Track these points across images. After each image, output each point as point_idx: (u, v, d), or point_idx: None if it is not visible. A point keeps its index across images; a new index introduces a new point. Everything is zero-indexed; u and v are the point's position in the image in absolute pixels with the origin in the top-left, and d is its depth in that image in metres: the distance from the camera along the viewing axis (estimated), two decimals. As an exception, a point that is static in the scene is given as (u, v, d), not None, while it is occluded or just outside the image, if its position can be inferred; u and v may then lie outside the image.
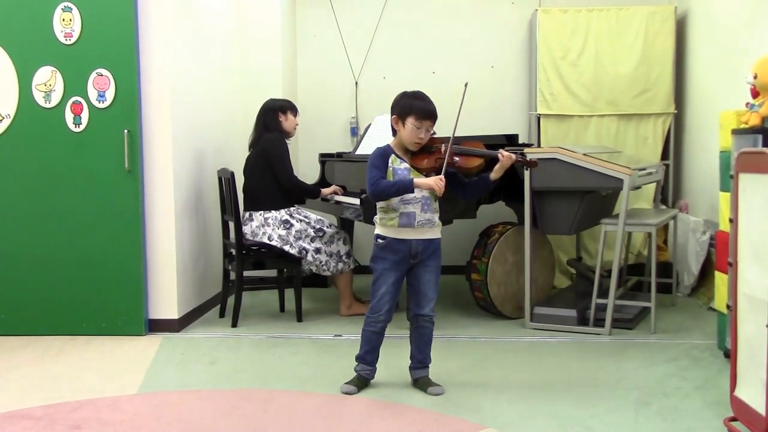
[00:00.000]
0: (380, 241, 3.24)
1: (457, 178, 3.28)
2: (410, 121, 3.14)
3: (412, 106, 3.14)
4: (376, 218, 3.27)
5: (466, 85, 3.19)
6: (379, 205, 3.23)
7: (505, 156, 3.16)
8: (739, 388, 2.71)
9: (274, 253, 4.55)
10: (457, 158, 3.23)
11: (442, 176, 3.11)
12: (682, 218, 5.09)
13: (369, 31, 6.17)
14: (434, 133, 3.24)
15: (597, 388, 3.29)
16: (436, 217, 3.24)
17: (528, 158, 3.30)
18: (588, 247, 5.44)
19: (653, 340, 4.07)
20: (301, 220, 4.55)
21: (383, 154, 3.22)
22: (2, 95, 4.19)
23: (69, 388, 3.38)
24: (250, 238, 4.54)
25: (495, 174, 3.20)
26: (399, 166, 3.19)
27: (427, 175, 3.17)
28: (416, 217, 3.17)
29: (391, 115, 3.22)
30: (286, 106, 4.72)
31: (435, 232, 3.25)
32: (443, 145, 3.20)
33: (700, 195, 5.18)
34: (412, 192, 3.13)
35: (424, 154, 3.22)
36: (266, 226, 4.50)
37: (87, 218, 4.21)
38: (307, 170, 5.77)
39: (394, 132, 3.24)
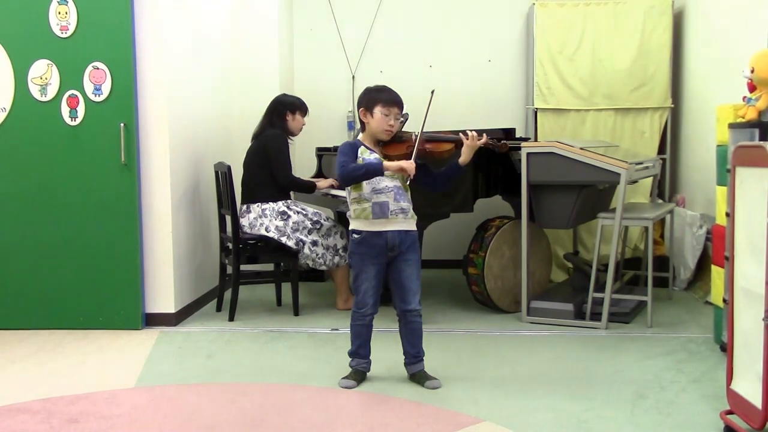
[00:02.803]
0: (356, 236, 3.24)
1: (427, 170, 3.29)
2: (378, 110, 3.19)
3: (378, 96, 3.22)
4: (350, 212, 3.27)
5: (432, 92, 3.22)
6: (351, 196, 3.23)
7: (470, 136, 3.18)
8: (736, 382, 2.71)
9: (270, 247, 4.55)
10: (428, 145, 3.26)
11: (411, 162, 3.12)
12: (678, 212, 5.09)
13: (366, 25, 6.16)
14: (405, 120, 3.27)
15: (593, 382, 3.30)
16: (409, 207, 3.24)
17: (499, 142, 3.33)
18: (585, 241, 5.44)
19: (650, 334, 4.08)
20: (298, 212, 4.54)
21: (352, 145, 3.26)
22: (-2, 89, 4.19)
23: (66, 382, 3.38)
24: (248, 230, 4.54)
25: (463, 157, 3.21)
26: (369, 156, 3.20)
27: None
28: (389, 206, 3.17)
29: (358, 109, 3.27)
30: (296, 106, 4.71)
31: (410, 224, 3.25)
32: (413, 134, 3.25)
33: (697, 189, 5.19)
34: (382, 174, 3.14)
35: (395, 143, 3.26)
36: (264, 218, 4.50)
37: (83, 212, 4.20)
38: (303, 164, 5.76)
39: (363, 127, 3.28)
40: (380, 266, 3.24)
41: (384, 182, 3.17)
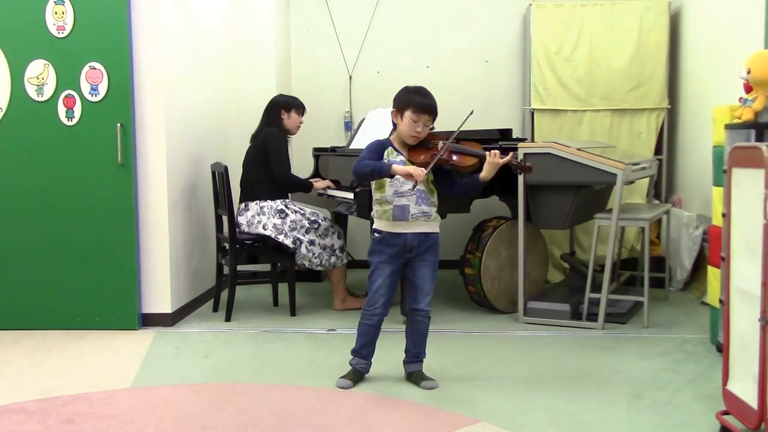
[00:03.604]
0: (376, 235, 3.26)
1: (451, 176, 3.29)
2: (408, 114, 3.16)
3: (411, 100, 3.18)
4: (373, 212, 3.28)
5: (471, 112, 3.19)
6: (375, 197, 3.25)
7: (492, 153, 3.16)
8: (732, 382, 2.72)
9: (267, 247, 4.55)
10: (455, 157, 3.23)
11: (424, 169, 3.10)
12: (675, 213, 5.10)
13: (363, 25, 6.16)
14: (433, 128, 3.25)
15: (590, 382, 3.31)
16: (432, 210, 3.24)
17: (524, 163, 3.29)
18: (581, 242, 5.45)
19: (646, 335, 4.09)
20: (296, 212, 4.56)
21: (380, 145, 3.25)
22: (-6, 88, 4.18)
23: (62, 383, 3.37)
24: (246, 228, 4.54)
25: (484, 173, 3.19)
26: (395, 158, 3.20)
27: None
28: (410, 210, 3.18)
29: (392, 108, 3.25)
30: (290, 105, 4.72)
31: (431, 226, 3.25)
32: (441, 141, 3.22)
33: (693, 190, 5.20)
34: (390, 177, 3.14)
35: (422, 148, 3.24)
36: (262, 215, 4.51)
37: (80, 212, 4.20)
38: (300, 164, 5.75)
39: (395, 126, 3.27)
40: (397, 266, 3.25)
41: (407, 185, 3.16)
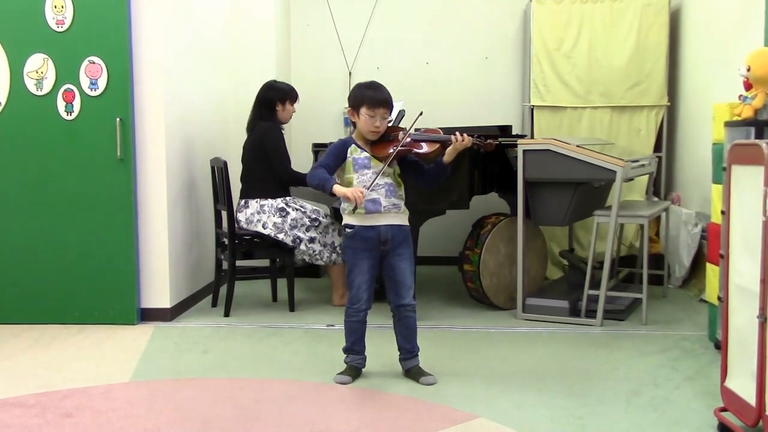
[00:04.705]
0: (348, 230, 3.25)
1: (418, 166, 3.30)
2: (363, 111, 3.17)
3: (364, 96, 3.18)
4: (343, 207, 3.28)
5: (420, 113, 3.19)
6: None
7: (459, 138, 3.17)
8: (730, 379, 2.72)
9: (266, 243, 4.55)
10: (424, 146, 3.24)
11: (363, 189, 3.10)
12: (674, 210, 5.10)
13: (363, 21, 6.16)
14: (391, 121, 3.25)
15: (588, 379, 3.31)
16: (401, 203, 3.25)
17: (485, 140, 3.29)
18: (580, 239, 5.45)
19: (644, 332, 4.09)
20: (297, 209, 4.55)
21: (343, 144, 3.26)
22: (-7, 82, 4.17)
23: (61, 377, 3.37)
24: (245, 225, 4.54)
25: (447, 157, 3.21)
26: (359, 155, 3.21)
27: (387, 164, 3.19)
28: (381, 203, 3.19)
29: (348, 107, 3.26)
30: (285, 96, 4.69)
31: (402, 218, 3.26)
32: (401, 132, 3.24)
33: (693, 187, 5.20)
34: (330, 195, 3.17)
35: (384, 142, 3.25)
36: (262, 214, 4.50)
37: (79, 207, 4.19)
38: (299, 160, 5.75)
39: (355, 125, 3.27)
40: (374, 261, 3.25)
41: (382, 179, 3.17)
